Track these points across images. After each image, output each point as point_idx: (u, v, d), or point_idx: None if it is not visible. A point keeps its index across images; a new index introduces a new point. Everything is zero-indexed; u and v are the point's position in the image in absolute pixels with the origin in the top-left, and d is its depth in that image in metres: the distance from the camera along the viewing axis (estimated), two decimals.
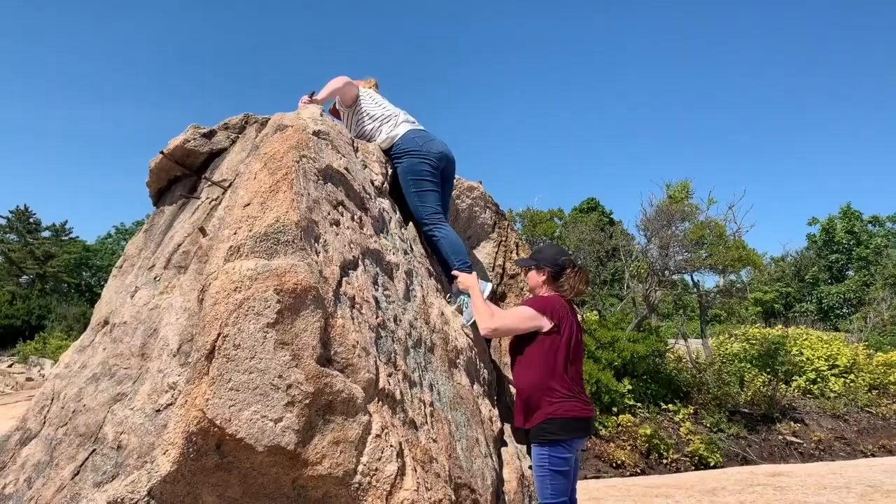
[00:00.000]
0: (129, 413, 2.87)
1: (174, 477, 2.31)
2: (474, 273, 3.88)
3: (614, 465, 10.54)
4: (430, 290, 3.74)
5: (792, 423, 13.00)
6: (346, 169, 3.38)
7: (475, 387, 3.72)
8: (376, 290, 3.13)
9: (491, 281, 4.41)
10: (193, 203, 3.95)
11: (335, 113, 4.46)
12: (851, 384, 14.88)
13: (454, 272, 3.91)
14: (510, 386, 4.14)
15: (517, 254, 4.99)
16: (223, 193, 3.59)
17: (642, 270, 16.57)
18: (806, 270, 39.53)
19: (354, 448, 2.51)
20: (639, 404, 12.27)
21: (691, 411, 12.61)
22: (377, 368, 2.74)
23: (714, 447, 11.45)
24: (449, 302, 3.95)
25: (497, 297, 4.73)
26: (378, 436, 2.59)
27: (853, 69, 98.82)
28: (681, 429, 11.94)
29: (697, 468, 10.75)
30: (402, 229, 3.89)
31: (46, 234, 47.82)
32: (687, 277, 17.37)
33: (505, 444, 3.82)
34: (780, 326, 19.90)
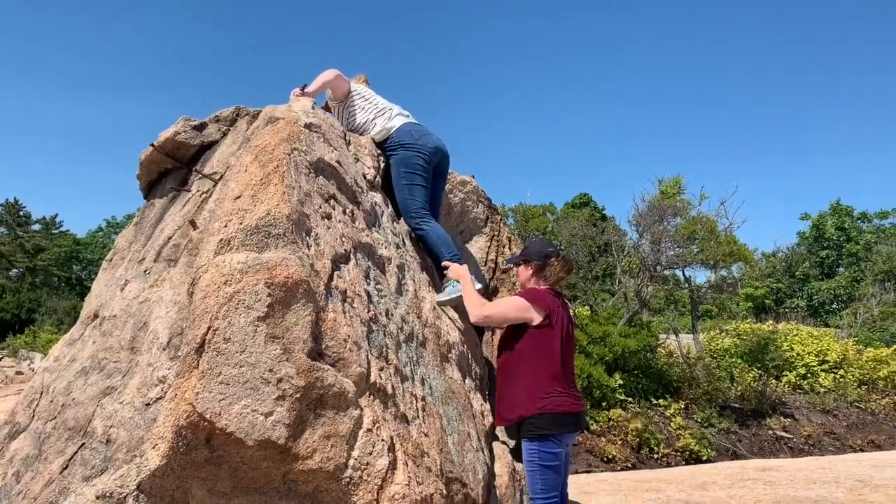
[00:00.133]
0: (118, 407, 2.85)
1: (163, 471, 2.30)
2: (465, 265, 3.87)
3: (605, 459, 10.57)
4: (422, 285, 3.73)
5: (782, 418, 13.07)
6: (338, 162, 3.36)
7: (467, 381, 3.71)
8: (368, 284, 3.12)
9: (484, 280, 4.40)
10: (184, 196, 3.93)
11: (327, 110, 4.44)
12: (841, 379, 14.98)
13: (445, 262, 3.89)
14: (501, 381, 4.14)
15: (509, 248, 4.99)
16: (214, 186, 3.57)
17: (634, 266, 16.60)
18: (796, 266, 39.77)
19: (345, 442, 2.50)
20: (630, 399, 12.30)
21: (682, 406, 12.64)
22: (369, 363, 2.73)
23: (705, 442, 11.49)
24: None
25: (489, 292, 4.72)
26: (369, 430, 2.59)
27: (845, 68, 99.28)
28: (672, 424, 11.97)
29: (688, 463, 10.79)
30: (395, 223, 3.88)
31: (37, 227, 47.59)
32: (678, 273, 17.43)
33: (496, 438, 3.82)
34: (770, 322, 20.00)
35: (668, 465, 10.73)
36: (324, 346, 2.58)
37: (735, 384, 13.81)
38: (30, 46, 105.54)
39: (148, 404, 2.73)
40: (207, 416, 2.25)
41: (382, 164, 4.10)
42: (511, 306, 3.37)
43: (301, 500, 2.47)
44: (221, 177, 3.51)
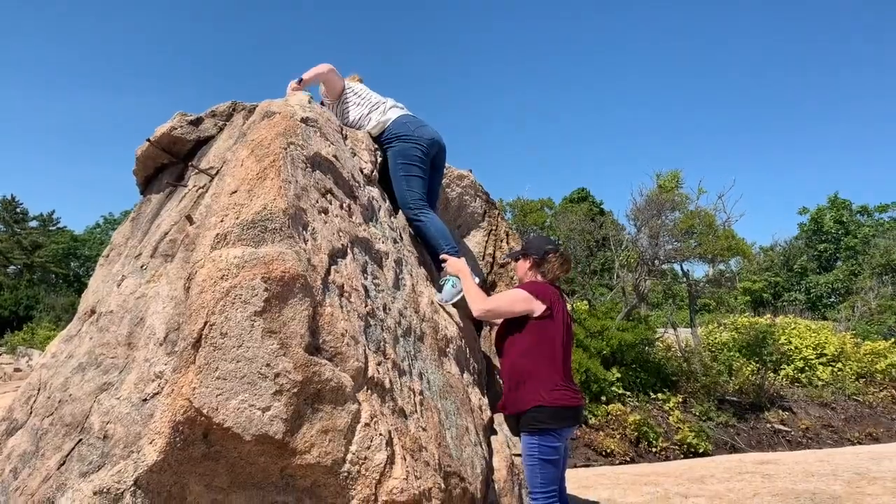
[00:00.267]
0: (115, 402, 2.84)
1: (161, 466, 2.29)
2: (463, 258, 3.86)
3: (604, 453, 10.60)
4: (419, 279, 3.72)
5: (780, 412, 13.11)
6: (335, 156, 3.35)
7: (465, 375, 3.71)
8: (365, 278, 3.11)
9: (482, 275, 4.39)
10: (180, 191, 3.91)
11: None
12: (839, 373, 15.02)
13: (443, 255, 3.88)
14: (499, 374, 4.14)
15: (507, 243, 4.98)
16: (210, 181, 3.55)
17: (632, 260, 16.61)
18: (795, 260, 39.83)
19: (343, 437, 2.50)
20: (628, 393, 12.33)
21: (680, 400, 12.68)
22: (366, 357, 2.73)
23: (703, 435, 11.53)
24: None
25: (487, 286, 4.72)
26: (367, 424, 2.58)
27: (844, 63, 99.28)
28: (670, 417, 12.01)
29: (686, 456, 10.83)
30: (392, 218, 3.86)
31: (34, 224, 47.45)
32: (676, 267, 17.45)
33: (495, 432, 3.82)
34: (768, 315, 20.03)
35: (667, 458, 10.76)
36: (321, 341, 2.57)
37: (733, 378, 13.84)
38: (28, 43, 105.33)
39: (145, 400, 2.72)
40: (204, 412, 2.24)
41: (379, 159, 4.08)
42: (513, 298, 3.37)
43: (299, 495, 2.47)
44: (218, 172, 3.50)
